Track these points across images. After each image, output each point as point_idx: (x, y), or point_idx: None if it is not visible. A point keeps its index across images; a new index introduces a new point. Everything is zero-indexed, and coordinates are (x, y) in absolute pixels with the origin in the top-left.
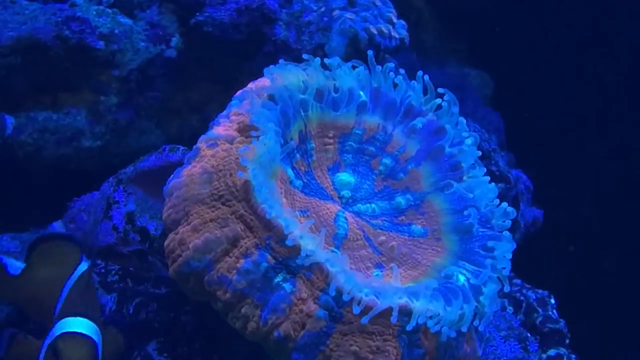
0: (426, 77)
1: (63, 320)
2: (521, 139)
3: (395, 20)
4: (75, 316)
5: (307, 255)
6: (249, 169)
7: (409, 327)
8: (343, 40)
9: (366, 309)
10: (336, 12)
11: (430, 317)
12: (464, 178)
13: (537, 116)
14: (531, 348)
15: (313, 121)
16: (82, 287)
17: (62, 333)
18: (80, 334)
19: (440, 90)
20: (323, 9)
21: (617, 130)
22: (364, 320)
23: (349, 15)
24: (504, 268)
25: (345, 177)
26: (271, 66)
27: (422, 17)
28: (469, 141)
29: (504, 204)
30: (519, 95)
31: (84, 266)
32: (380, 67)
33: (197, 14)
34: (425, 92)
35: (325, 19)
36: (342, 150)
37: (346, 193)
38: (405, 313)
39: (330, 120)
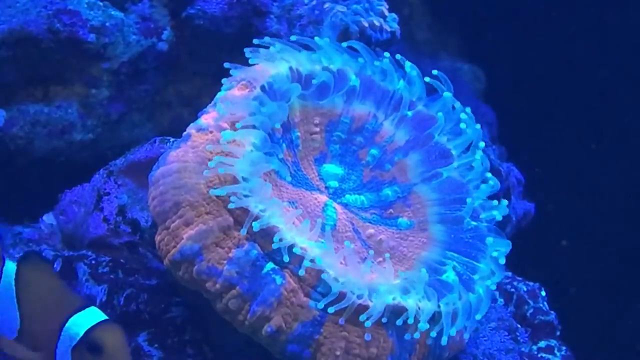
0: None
1: (75, 316)
2: (513, 132)
3: (386, 13)
4: (83, 309)
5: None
6: (235, 164)
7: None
8: (334, 33)
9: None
10: (327, 5)
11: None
12: (455, 165)
13: (529, 110)
14: (521, 339)
15: (295, 108)
16: (49, 279)
17: (92, 326)
18: (105, 320)
19: (434, 72)
20: (314, 2)
21: (609, 124)
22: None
23: (340, 8)
24: (496, 259)
25: (331, 168)
26: (258, 49)
27: (414, 11)
28: (463, 125)
29: (495, 202)
30: (511, 89)
31: (11, 266)
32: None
33: (189, 7)
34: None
35: (317, 12)
36: (330, 140)
37: (333, 183)
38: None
39: (314, 107)
